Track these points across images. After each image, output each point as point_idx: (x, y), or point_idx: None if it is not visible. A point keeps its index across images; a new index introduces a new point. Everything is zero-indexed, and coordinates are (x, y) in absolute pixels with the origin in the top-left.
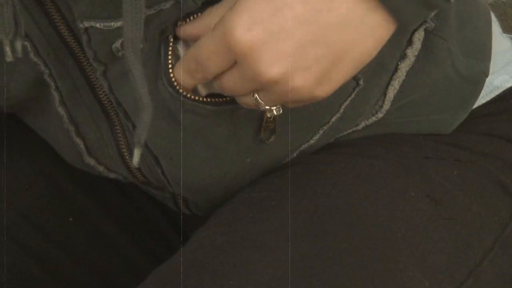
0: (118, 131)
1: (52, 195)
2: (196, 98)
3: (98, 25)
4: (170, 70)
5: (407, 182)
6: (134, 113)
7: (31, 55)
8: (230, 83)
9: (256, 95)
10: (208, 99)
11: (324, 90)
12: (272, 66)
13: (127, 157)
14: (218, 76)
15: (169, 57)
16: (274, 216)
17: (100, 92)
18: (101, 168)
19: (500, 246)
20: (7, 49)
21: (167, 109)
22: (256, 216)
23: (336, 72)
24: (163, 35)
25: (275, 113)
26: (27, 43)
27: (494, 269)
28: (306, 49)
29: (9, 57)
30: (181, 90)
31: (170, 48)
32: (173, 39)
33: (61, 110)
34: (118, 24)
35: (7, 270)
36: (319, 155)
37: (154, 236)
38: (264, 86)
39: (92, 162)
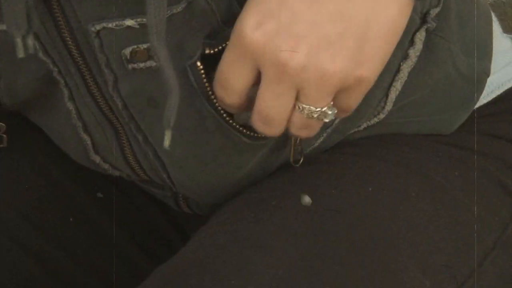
0: (123, 138)
1: (52, 195)
2: (235, 125)
3: (110, 25)
4: (210, 92)
5: (408, 183)
6: (148, 127)
7: (40, 53)
8: (267, 102)
9: (301, 105)
10: (247, 132)
11: (367, 69)
12: (293, 52)
13: (131, 160)
14: (255, 108)
15: (206, 85)
16: (275, 216)
17: (103, 105)
18: (106, 166)
19: (500, 247)
20: (19, 45)
21: (202, 125)
22: (257, 216)
23: (369, 47)
24: (182, 51)
25: (330, 112)
26: (35, 42)
27: (495, 269)
28: (322, 27)
29: (20, 53)
30: (224, 115)
31: (204, 77)
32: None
33: (70, 105)
34: (128, 23)
35: (7, 270)
36: (320, 155)
37: (154, 236)
38: (297, 82)
39: (97, 159)
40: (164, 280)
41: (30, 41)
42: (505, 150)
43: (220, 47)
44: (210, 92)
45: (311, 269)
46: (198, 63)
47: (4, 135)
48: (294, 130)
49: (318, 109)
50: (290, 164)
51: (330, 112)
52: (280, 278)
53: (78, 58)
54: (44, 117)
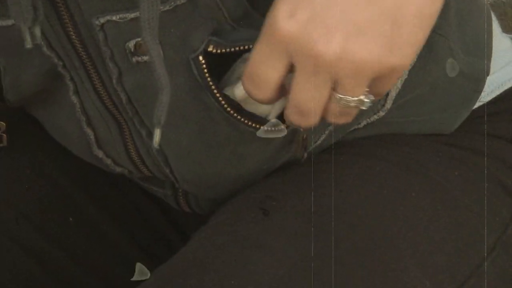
0: (126, 133)
1: (52, 195)
2: (240, 118)
3: (114, 18)
4: (213, 87)
5: (408, 183)
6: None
7: (44, 48)
8: (303, 94)
9: (337, 95)
10: (253, 124)
11: (401, 55)
12: (328, 43)
13: (133, 155)
14: (290, 102)
15: (209, 80)
16: (275, 216)
17: (106, 100)
18: (108, 161)
19: (501, 247)
20: (26, 36)
21: (208, 116)
22: (257, 216)
23: (403, 33)
24: (185, 44)
25: (367, 100)
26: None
27: (495, 269)
28: (354, 14)
29: (28, 44)
30: (228, 109)
31: (206, 72)
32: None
33: (74, 99)
34: (132, 15)
35: (7, 270)
36: (320, 155)
37: (154, 236)
38: (333, 73)
39: (100, 154)
40: (164, 280)
41: (37, 31)
42: (505, 150)
43: (227, 50)
44: (213, 87)
45: (311, 269)
46: (200, 58)
47: (4, 134)
48: (331, 118)
49: (355, 98)
50: (290, 164)
51: (367, 100)
52: (280, 278)
53: (82, 53)
54: (47, 112)
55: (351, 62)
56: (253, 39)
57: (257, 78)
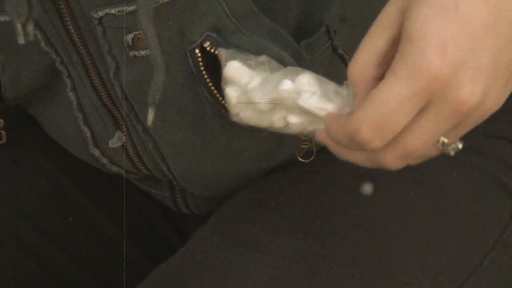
0: (123, 129)
1: (52, 195)
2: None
3: (112, 11)
4: (208, 80)
5: (407, 183)
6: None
7: (42, 44)
8: (421, 137)
9: (443, 139)
10: None
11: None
12: (472, 89)
13: (131, 152)
14: (399, 143)
15: (204, 73)
16: (274, 216)
17: (103, 96)
18: (104, 160)
19: (500, 247)
20: (20, 32)
21: (201, 109)
22: (256, 216)
23: None
24: (183, 36)
25: (460, 146)
26: (37, 32)
27: (494, 269)
28: (500, 57)
29: (21, 40)
30: (223, 102)
31: (201, 65)
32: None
33: (71, 96)
34: (131, 8)
35: (7, 270)
36: (319, 155)
37: (153, 236)
38: (461, 118)
39: (96, 152)
40: (163, 280)
41: (30, 27)
42: (505, 151)
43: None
44: (207, 80)
45: (311, 269)
46: (197, 51)
47: (3, 131)
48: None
49: (460, 145)
50: (289, 164)
51: (460, 146)
52: (280, 278)
53: (81, 47)
54: (45, 109)
55: (484, 111)
56: (260, 52)
57: (386, 125)
